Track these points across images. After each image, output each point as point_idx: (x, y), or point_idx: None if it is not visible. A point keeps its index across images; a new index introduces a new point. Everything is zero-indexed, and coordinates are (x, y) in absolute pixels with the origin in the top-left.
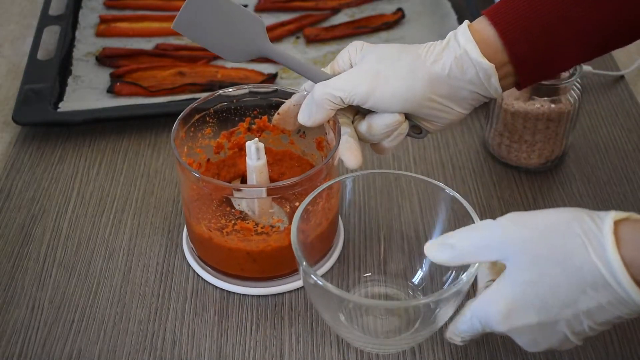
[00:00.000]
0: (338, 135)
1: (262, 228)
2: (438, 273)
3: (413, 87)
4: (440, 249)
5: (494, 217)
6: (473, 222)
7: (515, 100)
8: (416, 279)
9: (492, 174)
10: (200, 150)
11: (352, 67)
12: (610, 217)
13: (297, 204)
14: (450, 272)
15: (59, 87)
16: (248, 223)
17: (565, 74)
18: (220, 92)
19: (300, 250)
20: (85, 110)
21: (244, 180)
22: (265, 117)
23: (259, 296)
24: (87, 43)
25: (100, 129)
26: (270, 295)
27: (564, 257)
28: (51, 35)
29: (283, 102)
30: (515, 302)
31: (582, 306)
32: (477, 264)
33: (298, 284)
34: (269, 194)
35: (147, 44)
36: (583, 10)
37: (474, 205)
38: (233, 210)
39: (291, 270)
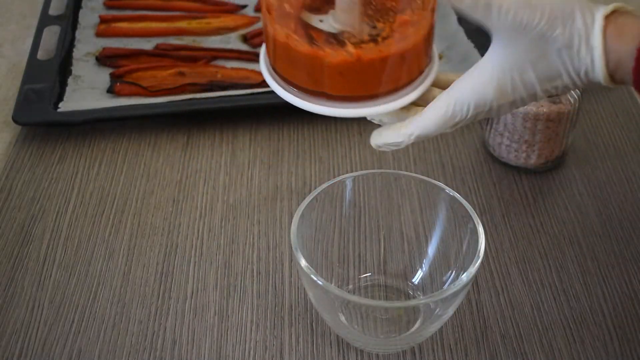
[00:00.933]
0: None
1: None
2: (438, 273)
3: None
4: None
5: (494, 218)
6: (473, 223)
7: None
8: (416, 279)
9: (492, 174)
10: None
11: None
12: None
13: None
14: (450, 272)
15: (59, 87)
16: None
17: None
18: None
19: (297, 241)
20: (85, 110)
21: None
22: None
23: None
24: (87, 43)
25: (100, 129)
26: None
27: None
28: (51, 35)
29: None
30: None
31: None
32: (479, 261)
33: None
34: None
35: (147, 44)
36: None
37: (474, 205)
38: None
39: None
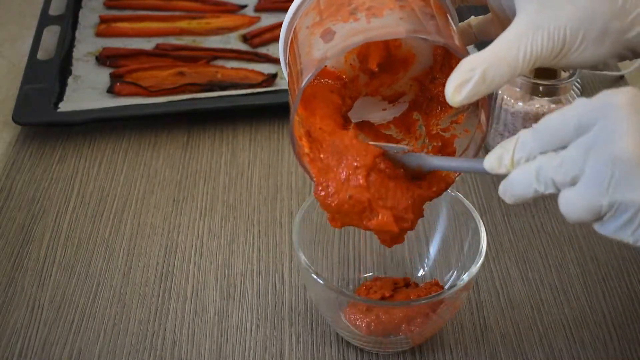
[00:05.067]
0: None
1: None
2: (439, 273)
3: None
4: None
5: (494, 217)
6: (474, 222)
7: (515, 100)
8: (417, 279)
9: (492, 174)
10: None
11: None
12: None
13: None
14: (451, 271)
15: (59, 87)
16: None
17: (565, 74)
18: None
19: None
20: (85, 110)
21: None
22: None
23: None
24: (87, 43)
25: (100, 129)
26: None
27: None
28: (51, 35)
29: None
30: None
31: None
32: (481, 260)
33: None
34: None
35: (147, 44)
36: None
37: (474, 205)
38: None
39: None
